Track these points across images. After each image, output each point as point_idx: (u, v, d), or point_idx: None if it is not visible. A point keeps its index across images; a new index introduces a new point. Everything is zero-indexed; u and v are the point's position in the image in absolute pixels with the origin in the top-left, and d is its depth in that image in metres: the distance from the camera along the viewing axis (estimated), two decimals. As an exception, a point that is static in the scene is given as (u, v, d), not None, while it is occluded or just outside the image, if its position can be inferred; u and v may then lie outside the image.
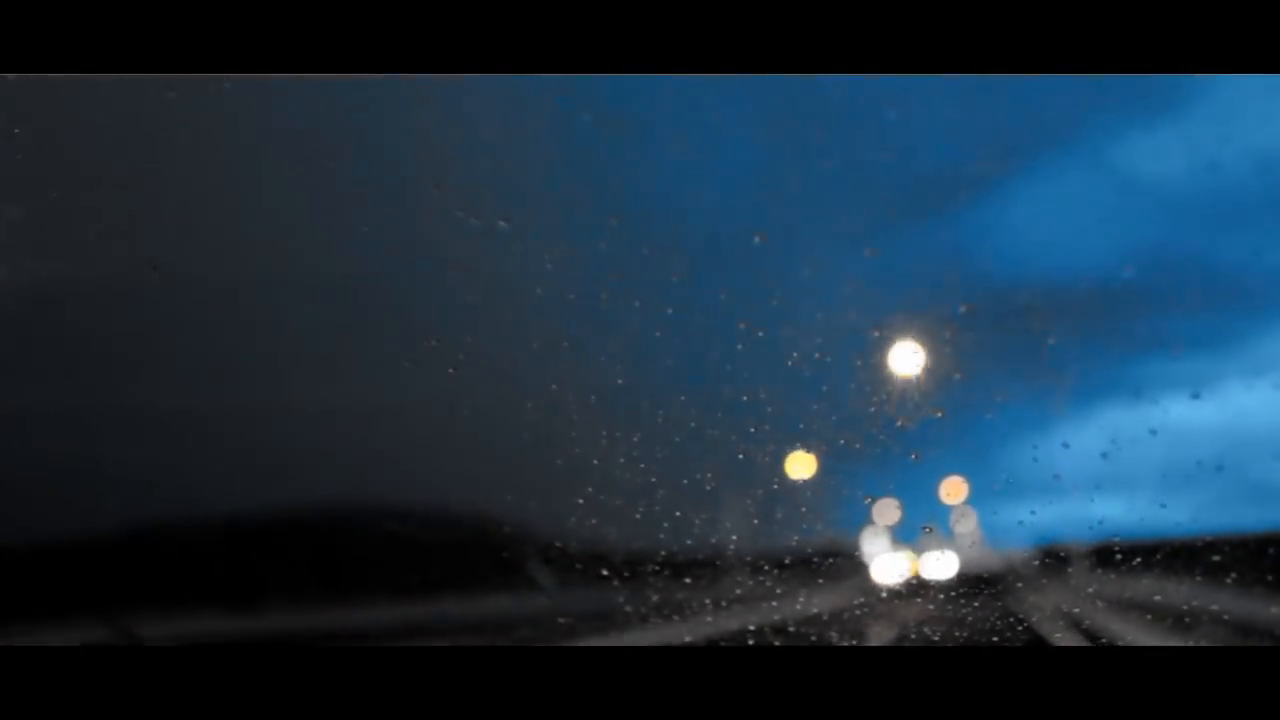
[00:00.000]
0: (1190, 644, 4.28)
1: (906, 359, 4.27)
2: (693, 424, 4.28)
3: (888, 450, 4.31)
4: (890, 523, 5.61)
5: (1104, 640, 5.04)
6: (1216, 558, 3.87)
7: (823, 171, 4.70)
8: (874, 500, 5.03)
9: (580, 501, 4.23)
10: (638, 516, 4.31)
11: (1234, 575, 3.91)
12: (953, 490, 5.08)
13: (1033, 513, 4.06)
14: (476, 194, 4.16)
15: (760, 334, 4.29)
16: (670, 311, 4.20)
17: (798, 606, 4.53)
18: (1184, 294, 4.56)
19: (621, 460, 4.29)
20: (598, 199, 4.43)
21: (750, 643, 4.03)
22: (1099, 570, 4.88)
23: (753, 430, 4.23)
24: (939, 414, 4.23)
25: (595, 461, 4.16)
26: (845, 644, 3.22)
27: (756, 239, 4.35)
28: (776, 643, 3.94)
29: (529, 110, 4.21)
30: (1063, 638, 5.36)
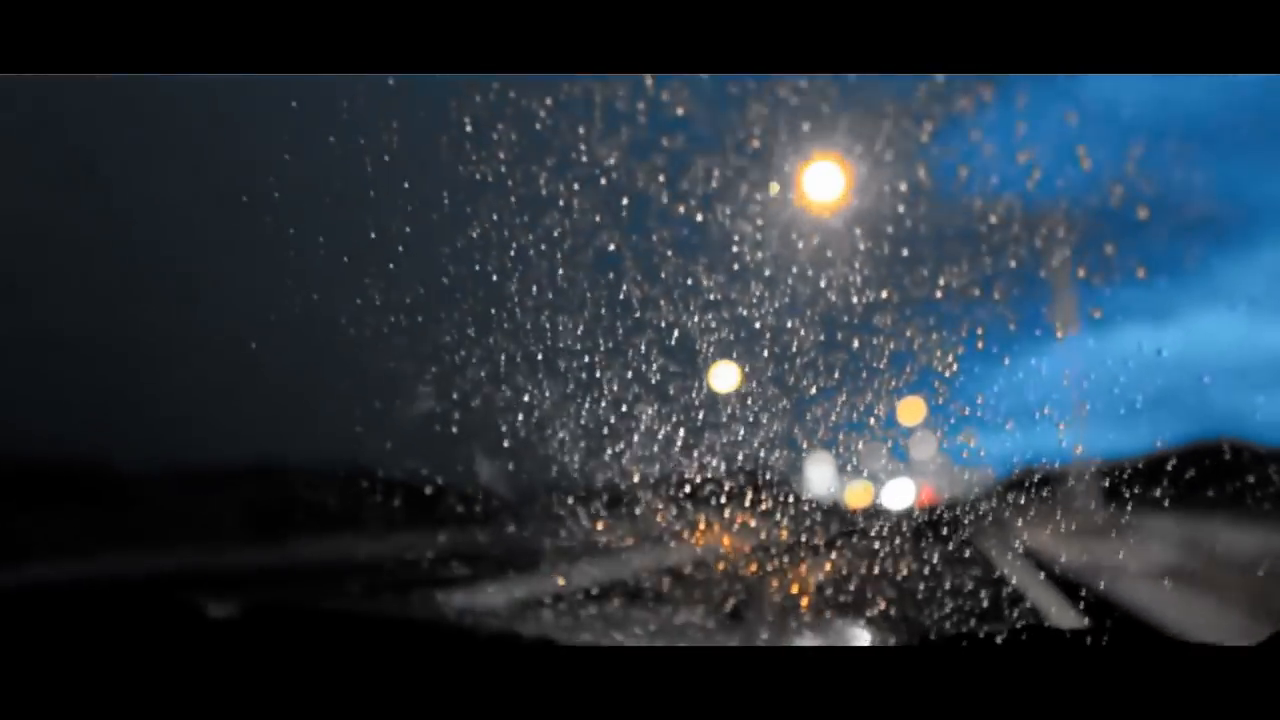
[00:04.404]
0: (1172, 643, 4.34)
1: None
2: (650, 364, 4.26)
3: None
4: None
5: (1058, 570, 5.11)
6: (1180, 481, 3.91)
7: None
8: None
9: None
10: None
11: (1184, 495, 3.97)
12: (911, 411, 4.87)
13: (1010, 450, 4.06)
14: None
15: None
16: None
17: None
18: (1153, 221, 4.55)
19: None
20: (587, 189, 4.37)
21: (750, 644, 4.05)
22: (1058, 498, 4.92)
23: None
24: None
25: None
26: (844, 645, 3.23)
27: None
28: (775, 644, 3.96)
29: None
30: (1016, 565, 5.45)
